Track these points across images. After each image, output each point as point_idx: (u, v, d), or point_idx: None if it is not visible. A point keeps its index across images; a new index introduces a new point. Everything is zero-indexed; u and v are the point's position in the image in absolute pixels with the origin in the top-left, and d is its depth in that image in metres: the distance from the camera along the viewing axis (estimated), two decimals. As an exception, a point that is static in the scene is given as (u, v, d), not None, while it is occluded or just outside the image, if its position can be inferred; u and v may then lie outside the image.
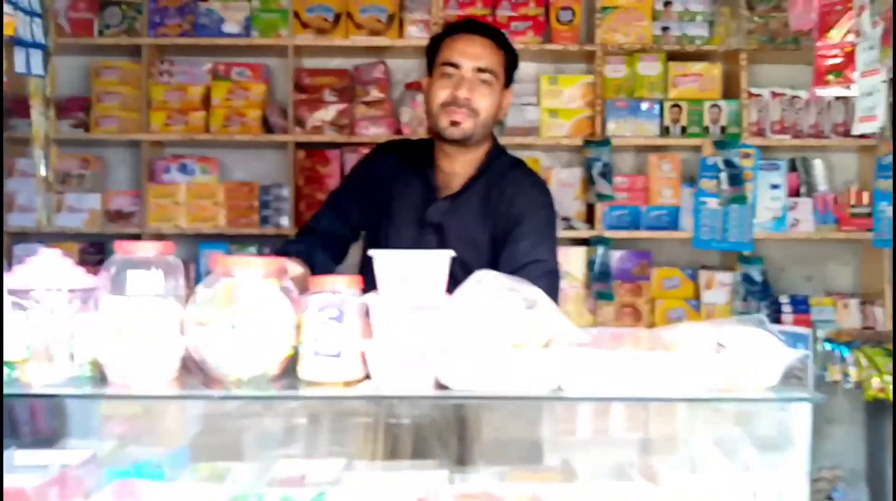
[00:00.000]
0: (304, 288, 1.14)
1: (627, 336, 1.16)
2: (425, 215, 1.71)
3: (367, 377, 1.05)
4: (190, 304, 1.10)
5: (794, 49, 2.81)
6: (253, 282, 1.08)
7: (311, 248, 1.69)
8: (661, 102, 2.83)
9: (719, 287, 2.84)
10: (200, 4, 2.83)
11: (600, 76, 2.85)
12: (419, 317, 1.03)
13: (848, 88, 1.88)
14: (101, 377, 1.10)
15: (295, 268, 1.31)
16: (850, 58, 1.89)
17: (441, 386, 1.03)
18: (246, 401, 1.14)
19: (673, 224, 2.84)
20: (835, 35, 1.91)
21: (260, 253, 2.81)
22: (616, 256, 2.84)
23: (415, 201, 1.74)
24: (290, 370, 1.08)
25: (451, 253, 1.14)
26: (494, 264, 1.72)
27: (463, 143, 1.69)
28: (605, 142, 2.80)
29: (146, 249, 1.11)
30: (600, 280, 2.78)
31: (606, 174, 2.80)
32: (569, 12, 2.87)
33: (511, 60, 1.73)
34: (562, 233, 2.78)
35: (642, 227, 2.84)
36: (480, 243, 1.71)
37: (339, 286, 1.07)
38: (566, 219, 2.83)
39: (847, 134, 2.83)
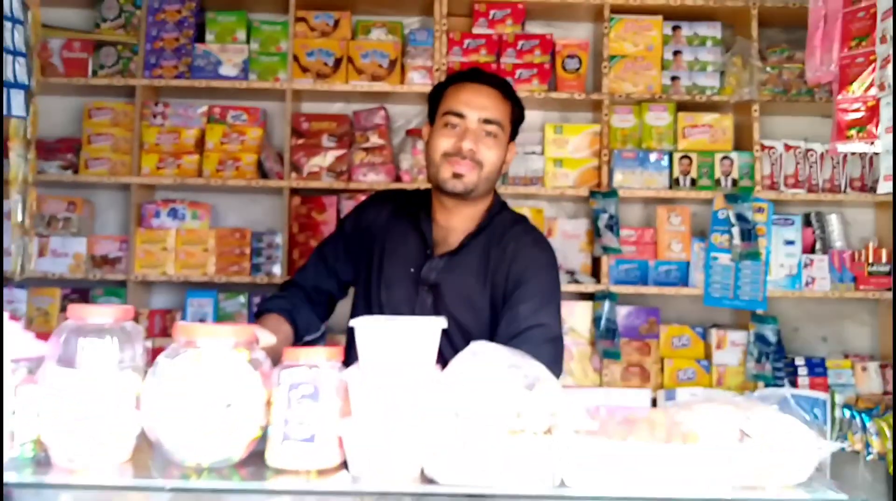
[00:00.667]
0: (278, 357, 1.01)
1: (641, 422, 1.03)
2: (420, 273, 1.60)
3: (346, 464, 0.92)
4: (149, 376, 0.98)
5: (808, 101, 2.73)
6: (219, 354, 0.96)
7: (295, 304, 1.58)
8: (670, 154, 2.74)
9: (731, 347, 2.70)
10: (198, 46, 2.77)
11: (607, 126, 2.76)
12: (404, 397, 0.90)
13: (871, 144, 1.78)
14: (44, 459, 0.98)
15: (267, 337, 1.19)
16: (873, 112, 1.79)
17: (428, 479, 0.90)
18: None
19: (683, 280, 2.72)
20: (857, 88, 1.81)
21: (249, 303, 2.69)
22: (623, 312, 2.71)
23: (409, 256, 1.63)
24: (258, 453, 0.96)
25: (443, 322, 1.02)
26: (494, 328, 1.61)
27: (464, 196, 1.59)
28: (612, 193, 2.70)
29: (101, 314, 0.99)
30: (606, 337, 2.64)
31: (613, 227, 2.69)
32: (575, 61, 2.81)
33: (518, 113, 1.65)
34: (566, 287, 2.66)
35: (650, 282, 2.71)
36: (479, 305, 1.60)
37: (316, 359, 0.95)
38: (571, 272, 2.71)
39: (864, 189, 2.73)
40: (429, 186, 1.68)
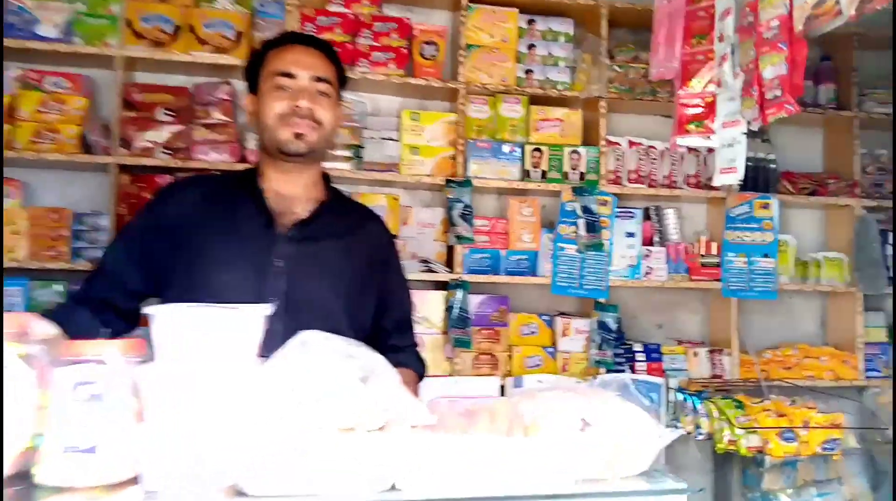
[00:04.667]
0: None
1: (481, 413, 0.97)
2: (272, 250, 1.46)
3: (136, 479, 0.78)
4: None
5: (651, 100, 2.85)
6: (-19, 348, 0.78)
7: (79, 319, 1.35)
8: (522, 146, 2.76)
9: (575, 335, 2.77)
10: (10, 0, 2.41)
11: (463, 115, 2.74)
12: (211, 395, 0.78)
13: (708, 138, 1.87)
14: None
15: (45, 328, 1.02)
16: (711, 108, 1.88)
17: (239, 493, 0.78)
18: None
19: (532, 269, 2.75)
20: (696, 85, 1.90)
21: (67, 293, 2.39)
22: (475, 301, 2.70)
23: (246, 235, 1.49)
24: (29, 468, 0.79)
25: (265, 310, 0.90)
26: (356, 305, 1.54)
27: (305, 158, 1.51)
28: (467, 183, 2.68)
29: None
30: (458, 326, 2.62)
31: (467, 216, 2.67)
32: (433, 47, 2.75)
33: (342, 77, 1.61)
34: (421, 276, 2.61)
35: (502, 271, 2.73)
36: (344, 276, 1.52)
37: (106, 354, 0.80)
38: (425, 261, 2.66)
39: (698, 185, 2.90)
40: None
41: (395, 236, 1.74)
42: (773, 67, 1.59)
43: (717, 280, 2.86)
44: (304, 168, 1.55)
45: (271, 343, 1.37)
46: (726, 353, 2.88)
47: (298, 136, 1.48)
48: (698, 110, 1.88)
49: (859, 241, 3.00)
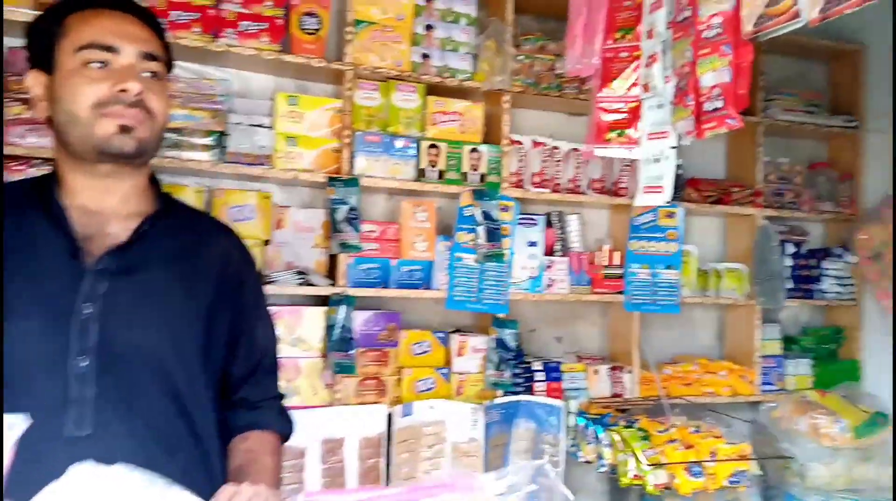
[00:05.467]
0: None
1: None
2: (76, 292, 1.07)
3: None
4: None
5: (556, 96, 2.60)
6: None
7: None
8: (418, 141, 2.43)
9: (472, 353, 2.50)
10: None
11: (350, 102, 2.37)
12: None
13: (630, 150, 1.63)
14: None
15: None
16: (634, 115, 1.64)
17: None
18: None
19: (426, 281, 2.45)
20: (618, 86, 1.64)
21: None
22: (360, 318, 2.36)
23: (41, 270, 1.08)
24: None
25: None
26: (203, 355, 1.17)
27: (135, 160, 1.14)
28: (354, 181, 2.32)
29: None
30: (341, 348, 2.27)
31: (353, 220, 2.31)
32: (315, 20, 2.35)
33: (169, 53, 1.23)
34: (296, 290, 2.24)
35: (392, 284, 2.40)
36: (178, 319, 1.14)
37: None
38: (302, 273, 2.28)
39: (603, 191, 2.70)
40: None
41: (252, 256, 1.35)
42: (714, 73, 1.36)
43: (620, 292, 2.68)
44: (128, 174, 1.15)
45: (80, 420, 0.99)
46: (627, 370, 2.71)
47: (125, 129, 1.10)
48: (620, 116, 1.63)
49: (759, 251, 2.92)
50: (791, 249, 3.03)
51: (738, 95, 1.34)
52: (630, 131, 1.60)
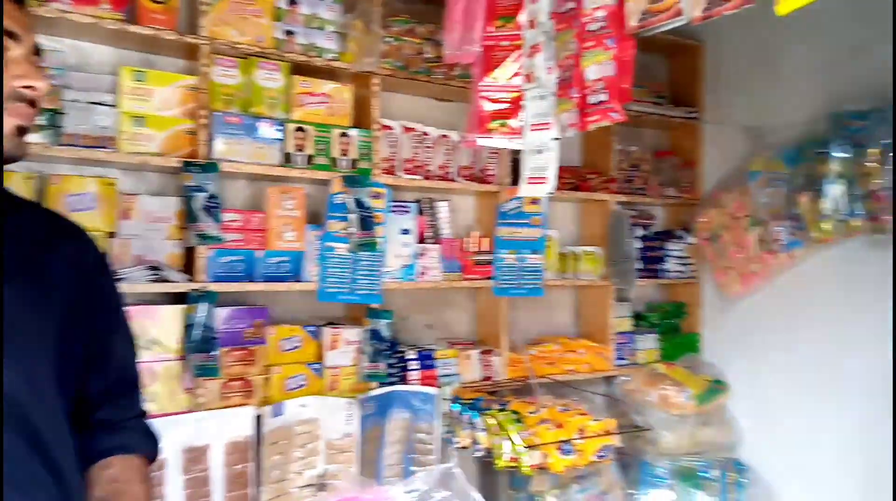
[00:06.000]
0: None
1: None
2: None
3: None
4: None
5: (425, 80, 2.55)
6: None
7: None
8: (283, 124, 2.29)
9: (345, 346, 2.42)
10: None
11: (206, 80, 2.17)
12: None
13: (512, 140, 1.62)
14: None
15: None
16: (516, 104, 1.63)
17: None
18: None
19: (295, 273, 2.32)
20: (500, 75, 1.63)
21: None
22: (223, 315, 2.20)
23: None
24: None
25: None
26: (55, 374, 1.01)
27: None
28: (213, 166, 2.14)
29: None
30: (202, 349, 2.10)
31: (213, 209, 2.13)
32: (163, -13, 2.12)
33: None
34: (149, 287, 2.03)
35: (258, 277, 2.25)
36: (21, 336, 0.97)
37: None
38: (155, 268, 2.07)
39: (472, 177, 2.70)
40: None
41: (107, 254, 1.19)
42: (598, 66, 1.38)
43: (489, 278, 2.72)
44: None
45: None
46: (496, 353, 2.75)
47: (23, 131, 0.98)
48: (502, 106, 1.62)
49: (613, 235, 3.08)
50: (640, 232, 3.23)
51: (622, 89, 1.37)
52: (512, 121, 1.59)
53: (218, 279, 2.16)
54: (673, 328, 3.39)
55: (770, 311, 3.00)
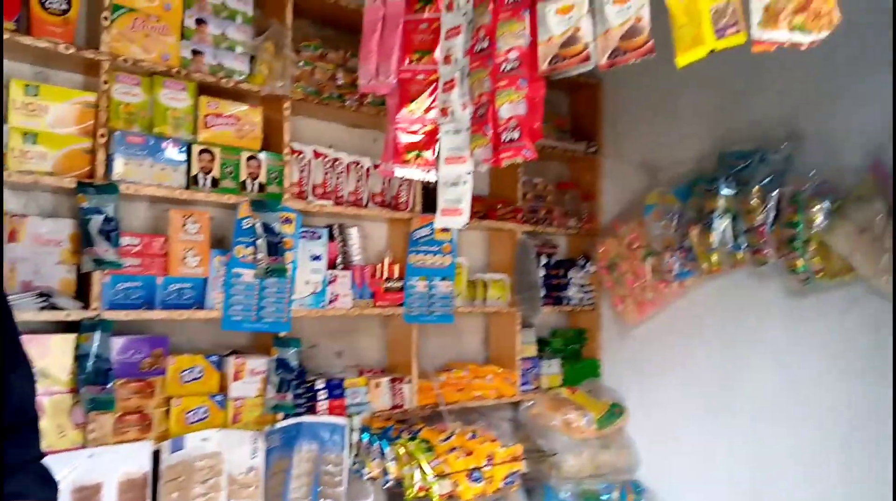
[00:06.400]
0: None
1: None
2: None
3: None
4: None
5: (338, 107, 2.55)
6: None
7: None
8: (189, 145, 2.21)
9: (250, 377, 2.34)
10: None
11: (106, 97, 2.07)
12: None
13: (428, 172, 1.65)
14: None
15: None
16: (431, 137, 1.66)
17: None
18: None
19: (198, 300, 2.23)
20: (416, 108, 1.65)
21: None
22: (119, 344, 2.08)
23: None
24: None
25: None
26: None
27: None
28: (111, 188, 2.04)
29: None
30: (95, 381, 1.98)
31: (110, 233, 2.03)
32: (62, -1, 2.02)
33: None
34: (39, 315, 1.90)
35: (158, 304, 2.15)
36: None
37: None
38: (45, 295, 1.93)
39: (384, 204, 2.71)
40: None
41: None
42: (511, 105, 1.43)
43: (401, 305, 2.72)
44: None
45: None
46: (407, 380, 2.75)
47: None
48: (417, 138, 1.64)
49: (520, 263, 3.17)
50: (544, 260, 3.34)
51: (533, 128, 1.42)
52: (427, 154, 1.62)
53: (114, 307, 2.05)
54: (575, 354, 3.50)
55: (664, 337, 3.16)
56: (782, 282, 2.67)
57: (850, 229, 2.36)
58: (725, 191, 2.68)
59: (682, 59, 1.18)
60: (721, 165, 2.80)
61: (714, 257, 2.79)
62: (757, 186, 2.59)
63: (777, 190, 2.57)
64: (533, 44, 1.40)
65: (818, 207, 2.46)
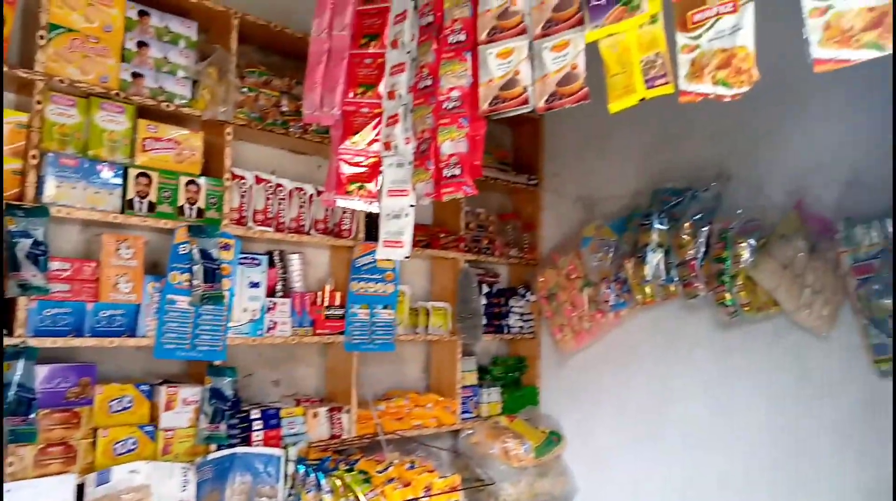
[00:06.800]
0: None
1: None
2: None
3: None
4: None
5: (282, 133, 2.54)
6: None
7: None
8: (125, 168, 2.17)
9: (182, 406, 2.28)
10: None
11: (40, 117, 2.02)
12: None
13: (371, 203, 1.66)
14: None
15: None
16: (374, 169, 1.68)
17: None
18: None
19: (130, 327, 2.17)
20: (359, 140, 1.67)
21: None
22: (44, 373, 2.00)
23: None
24: None
25: None
26: None
27: None
28: (41, 211, 1.97)
29: None
30: (16, 412, 1.89)
31: (39, 257, 1.96)
32: (-6, 15, 1.96)
33: None
34: (-46, 343, 1.81)
35: (87, 331, 2.08)
36: None
37: None
38: (-36, 321, 1.85)
39: (326, 231, 2.70)
40: None
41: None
42: (453, 143, 1.46)
43: (341, 333, 2.70)
44: None
45: None
46: (346, 410, 2.72)
47: None
48: (360, 170, 1.66)
49: (462, 291, 3.19)
50: (486, 289, 3.38)
51: (474, 165, 1.46)
52: (370, 185, 1.63)
53: (40, 334, 1.97)
54: (515, 382, 3.54)
55: (601, 365, 3.23)
56: (712, 314, 2.78)
57: (773, 265, 2.48)
58: (658, 226, 2.78)
59: (615, 107, 1.24)
60: (655, 201, 2.90)
61: (648, 289, 2.88)
62: (688, 222, 2.70)
63: (707, 226, 2.68)
64: (474, 84, 1.44)
65: (744, 243, 2.58)
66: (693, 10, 1.11)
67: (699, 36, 1.10)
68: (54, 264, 2.03)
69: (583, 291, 3.20)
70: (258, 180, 2.52)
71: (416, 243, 3.03)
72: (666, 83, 1.19)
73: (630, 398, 3.10)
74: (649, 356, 3.05)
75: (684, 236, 2.69)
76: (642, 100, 1.23)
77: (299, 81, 2.51)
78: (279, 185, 2.58)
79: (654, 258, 2.78)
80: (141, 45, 2.26)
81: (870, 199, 2.39)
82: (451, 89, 1.46)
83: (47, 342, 1.98)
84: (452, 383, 3.18)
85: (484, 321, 3.27)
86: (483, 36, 1.38)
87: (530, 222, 3.60)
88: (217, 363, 2.33)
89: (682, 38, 1.13)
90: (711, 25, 1.09)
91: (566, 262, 3.30)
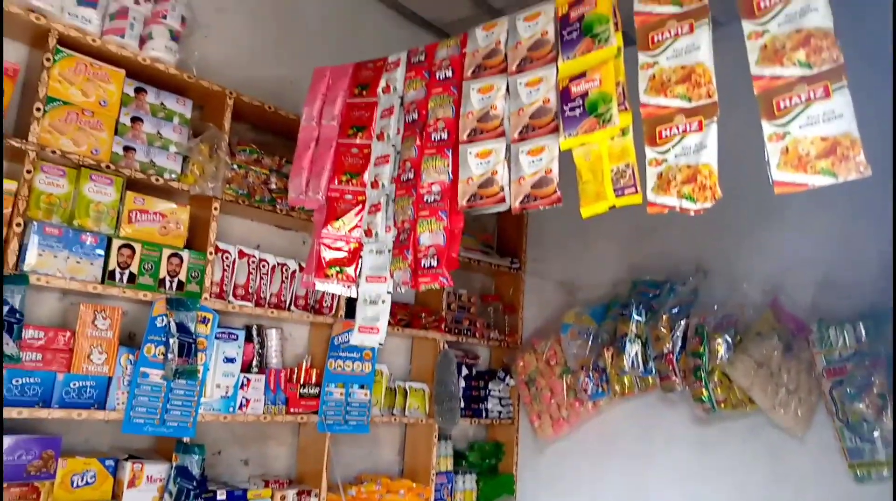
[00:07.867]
0: None
1: None
2: None
3: None
4: None
5: (269, 210, 2.58)
6: None
7: None
8: (109, 239, 2.18)
9: (147, 484, 2.22)
10: None
11: (28, 186, 2.05)
12: None
13: (349, 288, 1.68)
14: None
15: None
16: (354, 255, 1.70)
17: None
18: None
19: (100, 400, 2.13)
20: (342, 226, 1.70)
21: None
22: (6, 444, 1.95)
23: None
24: None
25: None
26: None
27: None
28: (20, 278, 1.97)
29: None
30: (-28, 485, 1.83)
31: (13, 326, 1.94)
32: (-5, 87, 2.02)
33: None
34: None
35: (55, 403, 2.04)
36: None
37: None
38: (-71, 389, 1.82)
39: (307, 307, 2.70)
40: None
41: None
42: (431, 235, 1.50)
43: (315, 412, 2.66)
44: None
45: None
46: (314, 494, 2.65)
47: None
48: (340, 254, 1.68)
49: (440, 373, 3.17)
50: (465, 371, 3.36)
51: (451, 257, 1.49)
52: (349, 270, 1.66)
53: (6, 404, 1.94)
54: (492, 469, 3.47)
55: (578, 455, 3.19)
56: (689, 409, 2.77)
57: (749, 363, 2.50)
58: (637, 317, 2.81)
59: (586, 212, 1.28)
60: (634, 291, 2.94)
61: (626, 380, 2.88)
62: (666, 315, 2.73)
63: (684, 320, 2.71)
64: (454, 180, 1.48)
65: (720, 339, 2.60)
66: (661, 125, 1.17)
67: (667, 151, 1.15)
68: (28, 333, 2.01)
69: (562, 378, 3.19)
70: (241, 255, 2.54)
71: (397, 322, 3.04)
72: (634, 193, 1.23)
73: (607, 491, 3.05)
74: (627, 447, 3.01)
75: (662, 329, 2.71)
76: (612, 207, 1.27)
77: (289, 160, 2.57)
78: (263, 260, 2.60)
79: (633, 349, 2.79)
80: (135, 120, 2.33)
81: (843, 302, 2.43)
82: (433, 184, 1.51)
83: (13, 413, 1.94)
84: (427, 468, 3.11)
85: (462, 404, 3.24)
86: (464, 136, 1.44)
87: (512, 305, 3.62)
88: (186, 439, 2.29)
89: (650, 152, 1.19)
90: (678, 142, 1.15)
91: (546, 347, 3.30)
